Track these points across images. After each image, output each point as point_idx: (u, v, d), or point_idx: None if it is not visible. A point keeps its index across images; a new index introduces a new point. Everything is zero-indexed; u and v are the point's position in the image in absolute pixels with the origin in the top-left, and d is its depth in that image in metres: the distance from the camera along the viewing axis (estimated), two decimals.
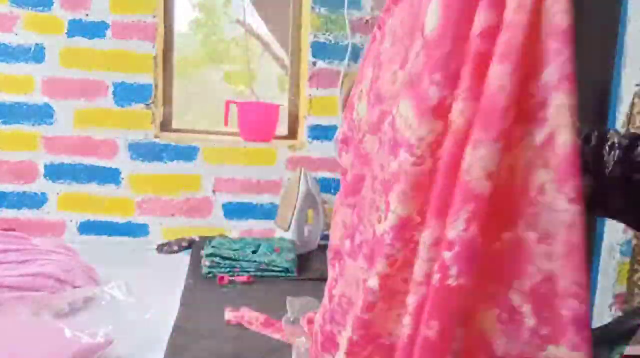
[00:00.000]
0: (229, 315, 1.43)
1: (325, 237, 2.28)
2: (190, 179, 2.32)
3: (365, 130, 0.87)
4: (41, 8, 2.17)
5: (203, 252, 1.85)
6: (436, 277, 0.64)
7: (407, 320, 0.68)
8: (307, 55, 2.36)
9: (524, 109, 0.62)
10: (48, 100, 2.21)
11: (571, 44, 0.60)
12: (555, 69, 0.60)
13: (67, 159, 2.24)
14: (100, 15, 2.20)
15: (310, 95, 2.36)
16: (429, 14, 0.66)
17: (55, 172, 2.24)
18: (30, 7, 2.17)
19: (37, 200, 2.25)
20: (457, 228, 0.62)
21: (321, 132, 2.37)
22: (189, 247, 2.11)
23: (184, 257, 2.01)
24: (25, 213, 2.24)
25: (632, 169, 0.87)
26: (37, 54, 2.19)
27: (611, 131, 0.92)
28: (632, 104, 2.29)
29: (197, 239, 2.15)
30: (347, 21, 2.32)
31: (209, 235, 2.19)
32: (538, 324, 0.63)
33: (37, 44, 2.19)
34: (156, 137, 2.29)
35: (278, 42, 3.33)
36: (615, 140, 0.90)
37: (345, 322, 0.78)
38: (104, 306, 1.50)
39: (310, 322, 1.30)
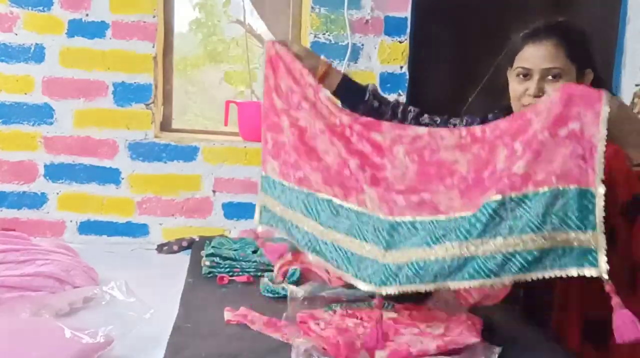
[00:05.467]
0: (228, 315, 1.43)
1: None
2: (190, 179, 2.32)
3: None
4: (41, 8, 2.18)
5: (203, 252, 1.85)
6: None
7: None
8: None
9: None
10: (48, 100, 2.21)
11: None
12: None
13: (67, 159, 2.24)
14: (100, 15, 2.20)
15: None
16: None
17: (55, 172, 2.24)
18: (30, 7, 2.17)
19: (37, 200, 2.25)
20: None
21: None
22: (189, 247, 2.11)
23: (184, 257, 2.00)
24: (25, 213, 2.24)
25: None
26: (37, 54, 2.19)
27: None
28: (632, 104, 2.30)
29: (197, 239, 2.15)
30: (347, 21, 2.32)
31: (209, 235, 2.19)
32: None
33: (37, 44, 2.19)
34: (156, 137, 2.29)
35: None
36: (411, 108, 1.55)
37: None
38: (104, 306, 1.50)
39: (304, 321, 1.30)
